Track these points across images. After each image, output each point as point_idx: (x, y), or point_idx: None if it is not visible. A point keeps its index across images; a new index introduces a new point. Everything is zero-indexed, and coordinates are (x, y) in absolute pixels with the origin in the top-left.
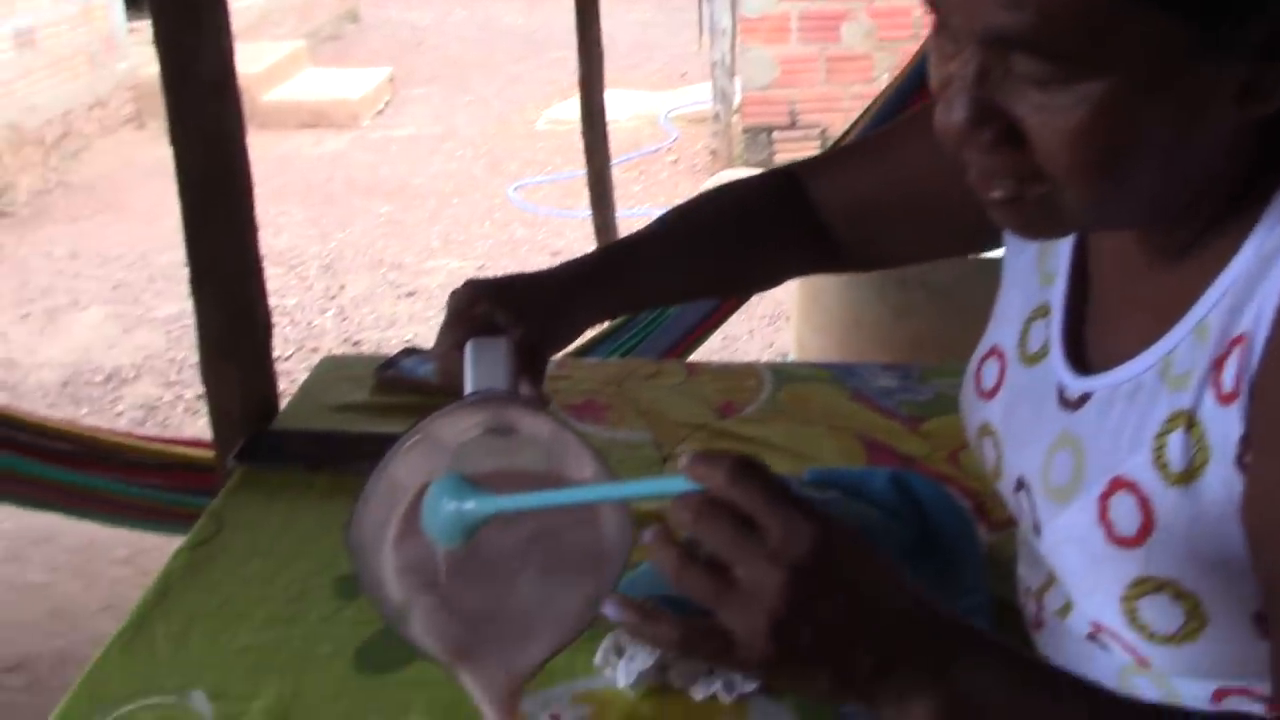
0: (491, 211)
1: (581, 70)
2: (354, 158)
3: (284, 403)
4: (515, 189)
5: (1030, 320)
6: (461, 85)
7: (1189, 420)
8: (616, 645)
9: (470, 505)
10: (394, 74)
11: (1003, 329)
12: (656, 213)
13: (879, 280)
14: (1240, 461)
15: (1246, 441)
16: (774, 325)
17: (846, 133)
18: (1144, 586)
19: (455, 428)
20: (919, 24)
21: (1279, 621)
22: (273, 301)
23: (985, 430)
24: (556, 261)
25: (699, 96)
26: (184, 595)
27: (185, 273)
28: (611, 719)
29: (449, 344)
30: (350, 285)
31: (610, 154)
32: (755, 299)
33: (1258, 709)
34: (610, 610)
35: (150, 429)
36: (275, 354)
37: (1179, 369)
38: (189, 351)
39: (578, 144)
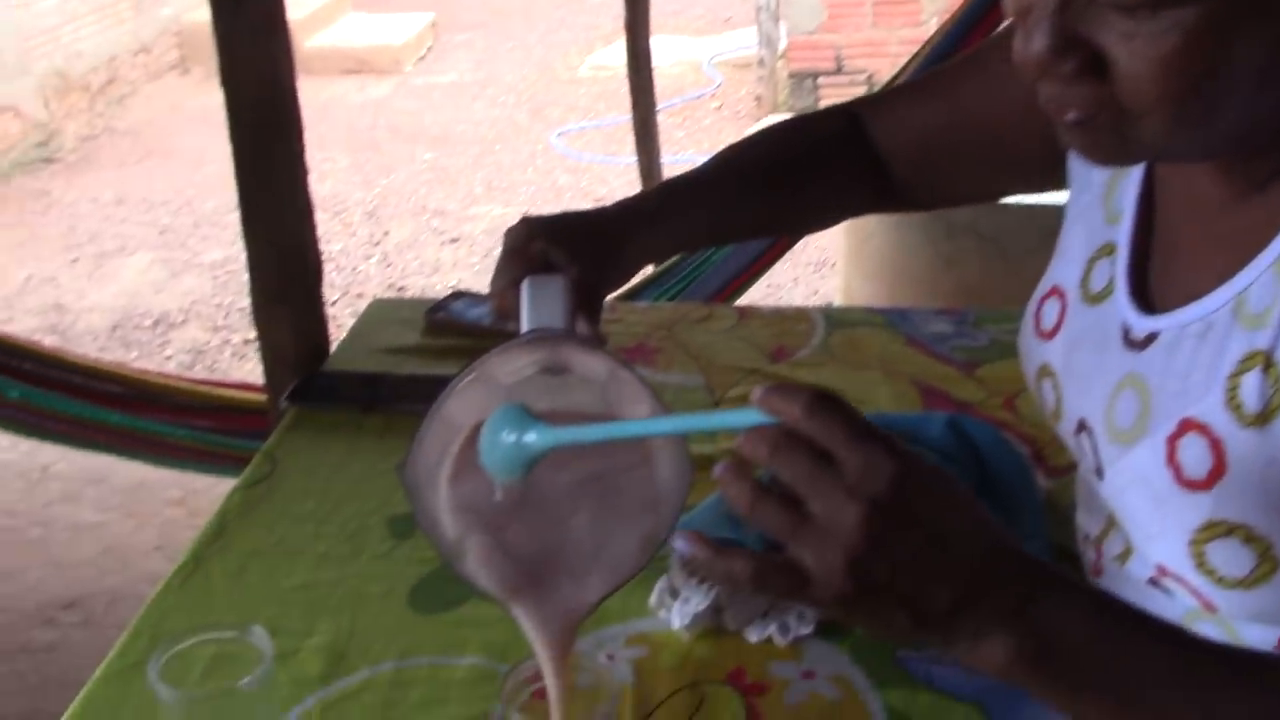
0: (534, 158)
1: (627, 15)
2: (397, 104)
3: (333, 347)
4: (558, 135)
5: (1094, 259)
6: (504, 31)
7: (1266, 360)
8: (671, 587)
9: (531, 437)
10: (436, 19)
11: (1064, 268)
12: (700, 159)
13: (928, 227)
14: None
15: None
16: (819, 273)
17: (895, 78)
18: (1214, 530)
19: (510, 366)
20: None
21: None
22: None
23: (1045, 371)
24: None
25: (743, 41)
26: (240, 534)
27: (231, 218)
28: (665, 661)
29: (505, 282)
30: (394, 231)
31: (655, 100)
32: (800, 245)
33: None
34: (680, 544)
35: (198, 373)
36: None
37: (1255, 307)
38: (235, 296)
39: (621, 90)
